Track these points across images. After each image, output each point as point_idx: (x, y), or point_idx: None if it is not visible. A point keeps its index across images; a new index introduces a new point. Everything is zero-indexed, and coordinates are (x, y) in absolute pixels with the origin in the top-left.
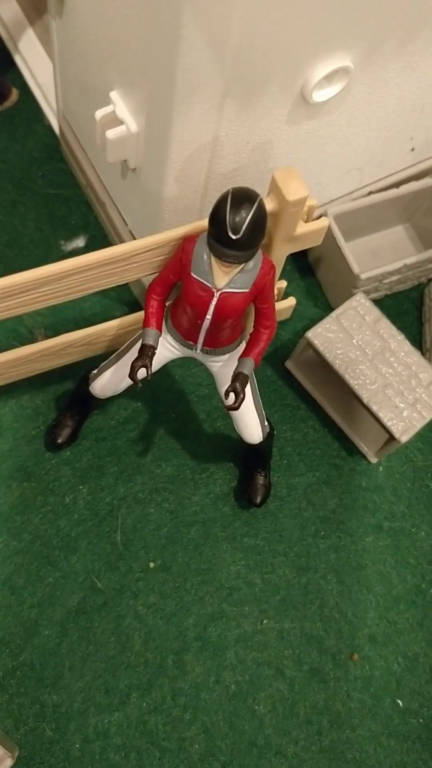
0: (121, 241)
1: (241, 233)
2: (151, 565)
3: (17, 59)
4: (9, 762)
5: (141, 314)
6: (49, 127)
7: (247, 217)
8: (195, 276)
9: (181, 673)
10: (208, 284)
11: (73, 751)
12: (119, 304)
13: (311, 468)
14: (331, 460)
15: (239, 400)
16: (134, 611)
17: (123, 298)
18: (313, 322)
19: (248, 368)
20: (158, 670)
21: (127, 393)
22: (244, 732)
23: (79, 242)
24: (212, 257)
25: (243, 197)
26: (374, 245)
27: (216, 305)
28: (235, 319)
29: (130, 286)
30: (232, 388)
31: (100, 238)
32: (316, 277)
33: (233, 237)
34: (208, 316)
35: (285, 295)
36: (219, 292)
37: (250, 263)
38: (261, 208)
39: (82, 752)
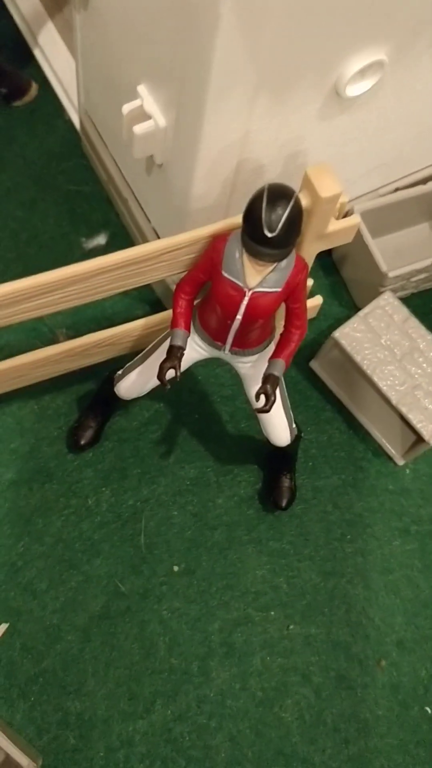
0: (144, 238)
1: (277, 231)
2: (175, 568)
3: (36, 53)
4: None
5: (166, 314)
6: (70, 123)
7: (283, 214)
8: (226, 275)
9: (206, 679)
10: (240, 283)
11: (96, 760)
12: (140, 303)
13: (337, 470)
14: (356, 463)
15: (270, 402)
16: (158, 616)
17: (144, 297)
18: (338, 321)
19: (279, 370)
20: (183, 676)
21: (150, 394)
22: (270, 740)
23: (100, 240)
24: (245, 256)
25: (279, 194)
26: (399, 243)
27: (247, 305)
28: (265, 319)
29: (152, 285)
30: (262, 390)
31: (121, 236)
32: (340, 275)
33: (269, 235)
34: (239, 317)
35: (310, 294)
36: (250, 292)
37: (283, 262)
38: (297, 205)
39: (106, 761)
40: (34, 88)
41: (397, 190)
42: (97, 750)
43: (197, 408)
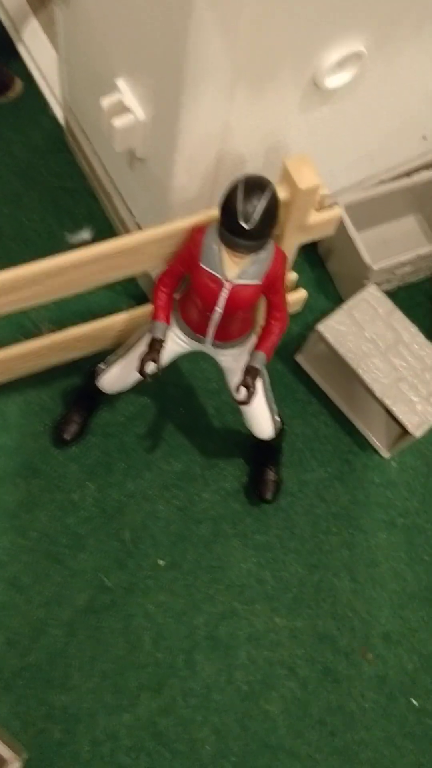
0: (128, 232)
1: (252, 222)
2: (161, 562)
3: (20, 49)
4: (17, 765)
5: (149, 307)
6: (54, 118)
7: (258, 205)
8: (205, 267)
9: (191, 673)
10: (218, 275)
11: (82, 754)
12: (125, 297)
13: (323, 463)
14: (342, 456)
15: (250, 394)
16: (144, 610)
17: (129, 291)
18: (324, 314)
19: (260, 362)
20: (168, 670)
21: (135, 388)
22: (256, 733)
23: (85, 234)
24: (222, 247)
25: (255, 185)
26: (385, 235)
27: (227, 297)
28: (246, 311)
29: (136, 278)
30: (243, 382)
31: (105, 230)
32: (326, 268)
33: (245, 226)
34: (219, 309)
35: (295, 287)
36: (230, 284)
37: (262, 253)
38: (273, 196)
39: (91, 754)
40: (18, 84)
41: (381, 182)
42: (82, 744)
43: (183, 402)
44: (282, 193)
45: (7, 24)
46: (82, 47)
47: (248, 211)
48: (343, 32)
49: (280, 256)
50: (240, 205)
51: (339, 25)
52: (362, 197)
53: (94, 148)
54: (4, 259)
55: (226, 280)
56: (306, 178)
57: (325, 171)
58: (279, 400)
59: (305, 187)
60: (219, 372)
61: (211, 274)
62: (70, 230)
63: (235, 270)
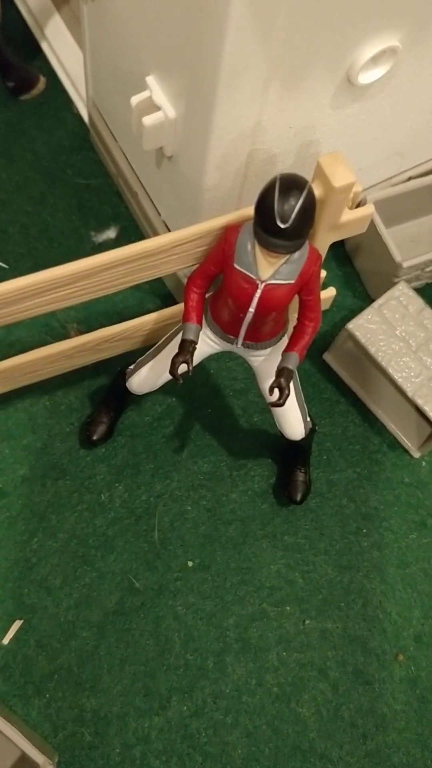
0: (154, 232)
1: (290, 222)
2: (190, 564)
3: (44, 47)
4: None
5: (178, 308)
6: (79, 116)
7: (296, 204)
8: (238, 267)
9: (222, 675)
10: (252, 276)
11: (113, 757)
12: (152, 297)
13: (352, 464)
14: (372, 456)
15: (284, 396)
16: (173, 612)
17: (156, 291)
18: (352, 312)
19: (293, 363)
20: (199, 672)
21: (162, 389)
22: (287, 736)
23: (110, 234)
24: (257, 247)
25: (292, 184)
26: (413, 232)
27: (260, 297)
28: (279, 311)
29: (163, 278)
30: (276, 383)
31: (131, 230)
32: (354, 266)
33: (282, 226)
34: (251, 309)
35: (323, 285)
36: (263, 284)
37: (296, 253)
38: (310, 195)
39: (122, 758)
40: (42, 82)
41: (410, 179)
42: (113, 747)
43: (210, 402)
44: (315, 191)
45: (30, 21)
46: (109, 43)
47: (285, 211)
48: (380, 28)
49: (314, 256)
50: (277, 204)
51: (376, 21)
52: (391, 193)
53: (119, 145)
54: (29, 258)
55: (260, 281)
56: (340, 175)
57: (354, 167)
58: (307, 400)
59: (339, 185)
60: (246, 371)
61: (245, 274)
62: (95, 229)
63: (270, 270)
